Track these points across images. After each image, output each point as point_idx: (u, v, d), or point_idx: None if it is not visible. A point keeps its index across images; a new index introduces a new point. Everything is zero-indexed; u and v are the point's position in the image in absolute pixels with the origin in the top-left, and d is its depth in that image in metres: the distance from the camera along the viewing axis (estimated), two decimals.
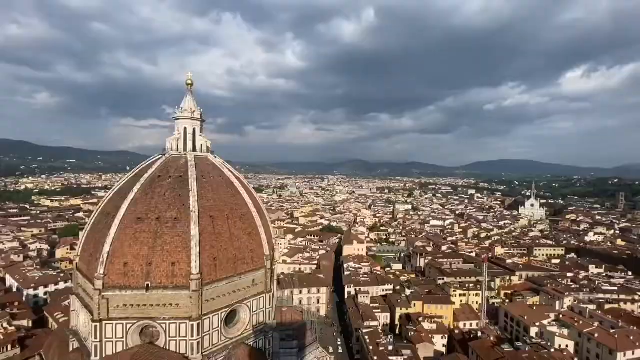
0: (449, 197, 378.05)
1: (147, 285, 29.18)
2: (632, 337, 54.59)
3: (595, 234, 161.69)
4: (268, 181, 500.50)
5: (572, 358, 53.32)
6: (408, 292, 77.26)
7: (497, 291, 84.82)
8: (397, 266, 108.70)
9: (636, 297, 76.06)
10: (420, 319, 65.96)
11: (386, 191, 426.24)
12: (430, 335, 60.37)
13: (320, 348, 44.50)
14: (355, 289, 79.94)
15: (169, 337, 29.74)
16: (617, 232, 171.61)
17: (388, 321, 71.87)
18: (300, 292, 77.11)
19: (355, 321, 66.91)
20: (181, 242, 30.49)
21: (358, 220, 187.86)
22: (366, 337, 57.99)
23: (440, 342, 60.98)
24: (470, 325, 67.82)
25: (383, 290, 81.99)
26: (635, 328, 58.88)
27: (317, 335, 52.45)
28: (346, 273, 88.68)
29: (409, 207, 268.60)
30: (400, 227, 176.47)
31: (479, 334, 61.36)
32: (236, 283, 33.20)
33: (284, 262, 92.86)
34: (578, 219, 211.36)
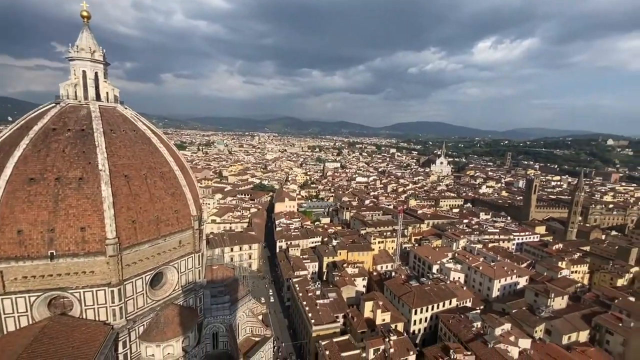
0: (374, 155, 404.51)
1: (52, 253, 25.78)
2: (505, 268, 69.55)
3: (487, 187, 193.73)
4: (192, 137, 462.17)
5: (462, 286, 65.98)
6: (335, 242, 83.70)
7: (409, 237, 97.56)
8: (326, 220, 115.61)
9: (511, 237, 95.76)
10: (345, 265, 72.93)
11: (317, 150, 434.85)
12: (352, 279, 67.59)
13: (252, 300, 46.39)
14: (287, 243, 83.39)
15: (85, 305, 27.49)
16: (503, 185, 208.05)
17: (316, 270, 77.75)
18: (232, 250, 77.38)
19: (286, 272, 70.75)
20: (91, 205, 27.10)
21: (290, 179, 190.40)
22: (296, 286, 62.22)
23: (361, 284, 68.93)
24: (386, 267, 77.70)
25: (312, 243, 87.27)
26: (508, 261, 74.86)
27: (249, 288, 54.19)
28: (278, 229, 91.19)
29: (338, 165, 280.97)
30: (330, 184, 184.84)
31: (393, 273, 70.96)
32: (160, 245, 31.51)
33: (214, 221, 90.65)
34: (475, 175, 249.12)
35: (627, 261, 79.20)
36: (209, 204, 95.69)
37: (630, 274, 72.94)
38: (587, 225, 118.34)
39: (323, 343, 45.66)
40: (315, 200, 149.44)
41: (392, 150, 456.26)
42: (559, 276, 69.65)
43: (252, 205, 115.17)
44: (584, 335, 51.31)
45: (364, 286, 69.55)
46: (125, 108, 34.95)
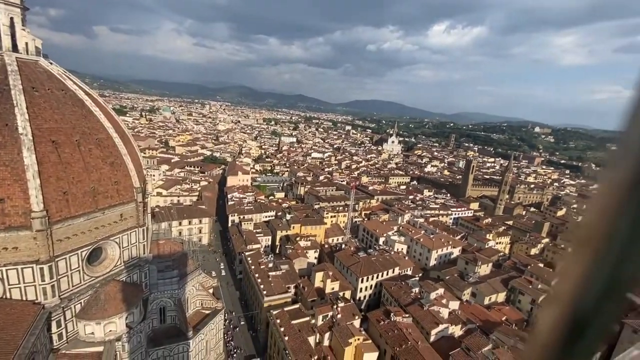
0: (329, 131, 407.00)
1: None
2: (442, 240, 76.67)
3: (431, 166, 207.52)
4: (133, 102, 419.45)
5: (404, 257, 71.67)
6: (288, 216, 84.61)
7: (359, 212, 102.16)
8: (280, 195, 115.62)
9: (449, 212, 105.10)
10: (298, 238, 74.57)
11: (273, 123, 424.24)
12: (305, 251, 69.61)
13: (202, 274, 45.71)
14: (239, 217, 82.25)
15: (9, 284, 24.86)
16: (446, 165, 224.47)
17: (269, 243, 78.44)
18: (180, 224, 74.31)
19: (238, 246, 70.35)
20: (10, 174, 23.86)
21: (243, 151, 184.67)
22: (248, 259, 62.45)
23: (312, 256, 71.39)
24: (338, 240, 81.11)
25: (266, 217, 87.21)
26: (445, 233, 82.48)
27: (199, 263, 53.14)
28: (230, 203, 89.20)
29: (294, 139, 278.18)
30: (285, 159, 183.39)
31: (343, 246, 74.49)
32: (98, 219, 29.17)
33: (159, 194, 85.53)
34: (422, 154, 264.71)
35: (541, 233, 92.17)
36: (153, 175, 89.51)
37: (542, 244, 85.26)
38: (513, 202, 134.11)
39: (274, 312, 47.16)
40: (269, 174, 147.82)
41: (348, 128, 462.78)
42: (486, 247, 78.93)
43: (203, 178, 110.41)
44: (501, 296, 59.64)
45: (315, 258, 72.13)
46: (51, 63, 30.43)
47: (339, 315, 46.94)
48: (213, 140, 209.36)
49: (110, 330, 30.21)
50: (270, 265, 60.44)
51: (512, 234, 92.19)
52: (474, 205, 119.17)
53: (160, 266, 38.12)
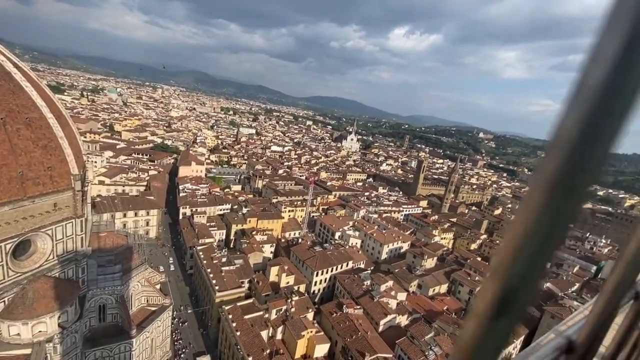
0: (290, 125, 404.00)
1: None
2: (393, 235, 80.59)
3: (387, 164, 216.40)
4: (73, 79, 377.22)
5: (358, 251, 74.09)
6: (244, 210, 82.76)
7: (317, 207, 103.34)
8: (237, 187, 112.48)
9: (401, 209, 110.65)
10: (254, 232, 73.39)
11: (231, 112, 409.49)
12: (260, 245, 68.81)
13: (149, 269, 43.09)
14: (191, 210, 78.59)
15: None
16: (400, 164, 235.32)
17: (224, 237, 76.19)
18: (125, 216, 69.14)
19: (189, 240, 67.32)
20: None
21: (198, 141, 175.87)
22: (200, 253, 60.12)
23: (268, 250, 70.82)
24: (295, 234, 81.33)
25: (221, 210, 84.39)
26: (396, 228, 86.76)
27: (145, 257, 50.06)
28: (182, 194, 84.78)
29: (253, 131, 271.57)
30: (243, 151, 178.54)
31: (300, 240, 74.90)
32: (27, 208, 26.11)
33: (102, 183, 78.61)
34: (378, 153, 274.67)
35: (480, 230, 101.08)
36: (95, 162, 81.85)
37: (480, 240, 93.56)
38: (457, 201, 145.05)
39: (226, 307, 46.13)
40: (226, 166, 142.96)
41: (309, 123, 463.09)
42: (432, 242, 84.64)
43: (152, 167, 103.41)
44: (444, 288, 64.54)
45: (271, 252, 71.64)
46: None
47: (292, 309, 47.32)
48: (165, 127, 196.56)
49: (40, 331, 27.34)
50: (224, 259, 58.80)
51: (456, 230, 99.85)
52: (423, 203, 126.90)
53: (100, 261, 35.21)
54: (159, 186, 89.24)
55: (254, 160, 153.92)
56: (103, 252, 36.93)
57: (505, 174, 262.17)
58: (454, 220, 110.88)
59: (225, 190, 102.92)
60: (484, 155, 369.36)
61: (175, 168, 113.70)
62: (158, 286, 43.74)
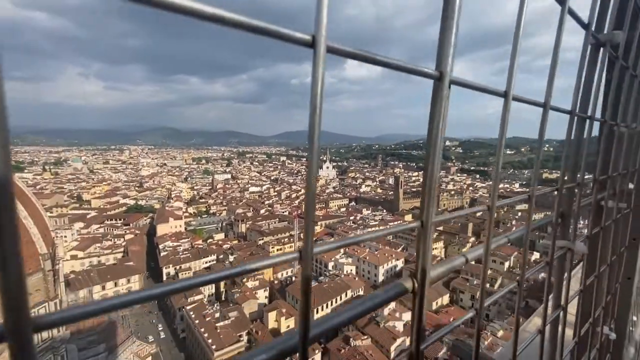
0: (265, 164, 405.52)
1: None
2: (386, 254, 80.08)
3: (365, 186, 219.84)
4: (33, 156, 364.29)
5: (354, 277, 72.55)
6: (231, 258, 79.85)
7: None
8: (220, 236, 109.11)
9: (388, 226, 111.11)
10: (244, 280, 70.37)
11: (203, 161, 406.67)
12: (254, 292, 65.82)
13: (137, 342, 39.79)
14: (175, 268, 74.87)
15: None
16: (378, 183, 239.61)
17: (214, 291, 72.39)
18: (103, 288, 64.52)
19: (177, 301, 63.34)
20: None
21: (173, 195, 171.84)
22: (191, 313, 56.50)
23: (263, 296, 67.77)
24: (287, 273, 78.73)
25: (206, 263, 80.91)
26: (387, 247, 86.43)
27: (131, 330, 46.48)
28: (162, 254, 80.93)
29: (228, 176, 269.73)
30: (221, 197, 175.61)
31: (293, 278, 72.50)
32: None
33: (75, 257, 73.83)
34: (356, 176, 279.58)
35: (467, 233, 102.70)
36: (65, 236, 77.27)
37: (470, 243, 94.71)
38: (439, 209, 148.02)
39: None
40: (205, 216, 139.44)
41: (283, 158, 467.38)
42: None
43: (127, 231, 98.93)
44: (446, 299, 63.75)
45: (266, 297, 68.58)
46: None
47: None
48: (136, 188, 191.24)
49: None
50: (217, 315, 55.50)
51: (444, 238, 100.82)
52: (408, 217, 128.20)
53: (81, 343, 32.16)
54: (138, 250, 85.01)
55: (234, 204, 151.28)
56: (83, 333, 33.88)
57: (477, 176, 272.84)
58: (441, 228, 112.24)
59: (209, 241, 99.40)
60: (454, 161, 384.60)
61: (152, 227, 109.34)
62: (149, 359, 40.22)
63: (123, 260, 77.55)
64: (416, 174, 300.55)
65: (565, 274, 0.93)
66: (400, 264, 79.20)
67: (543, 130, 0.76)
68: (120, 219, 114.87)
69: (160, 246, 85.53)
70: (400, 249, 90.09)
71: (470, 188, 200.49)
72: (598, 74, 0.88)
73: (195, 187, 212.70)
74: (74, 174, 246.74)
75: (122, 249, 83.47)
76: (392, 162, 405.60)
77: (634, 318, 1.59)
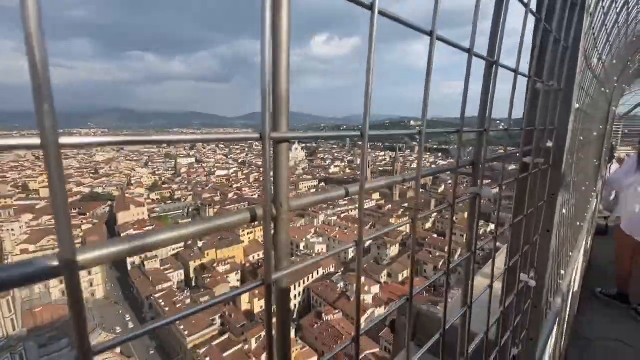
0: (231, 146, 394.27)
1: None
2: (356, 232, 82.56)
3: (334, 166, 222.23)
4: None
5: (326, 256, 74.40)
6: (200, 243, 78.24)
7: None
8: (187, 222, 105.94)
9: (356, 206, 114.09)
10: (215, 265, 69.69)
11: (165, 145, 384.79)
12: (225, 276, 65.52)
13: (103, 334, 38.47)
14: (141, 257, 72.03)
15: None
16: (346, 163, 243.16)
17: (183, 277, 71.03)
18: (61, 282, 60.75)
19: (145, 290, 61.55)
20: None
21: (133, 182, 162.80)
22: (160, 301, 55.33)
23: (235, 279, 67.70)
24: (258, 255, 78.92)
25: (174, 250, 78.58)
26: (357, 225, 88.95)
27: (96, 322, 44.82)
28: None
29: (193, 160, 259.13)
30: (185, 182, 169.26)
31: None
32: None
33: (25, 251, 68.36)
34: (325, 157, 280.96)
35: (430, 209, 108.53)
36: (12, 230, 71.22)
37: (432, 218, 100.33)
38: (405, 187, 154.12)
39: (201, 351, 42.97)
40: (170, 202, 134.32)
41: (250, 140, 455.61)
42: (391, 230, 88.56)
43: (84, 221, 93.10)
44: (407, 271, 67.74)
45: (238, 281, 68.58)
46: None
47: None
48: (92, 175, 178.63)
49: None
50: (188, 301, 54.85)
51: (409, 214, 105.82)
52: (376, 196, 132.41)
53: (41, 340, 30.52)
54: (97, 240, 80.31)
55: (200, 189, 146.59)
56: (43, 329, 32.12)
57: (440, 154, 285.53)
58: (406, 205, 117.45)
59: None
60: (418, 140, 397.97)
61: (112, 216, 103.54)
62: (118, 350, 39.22)
63: None
64: (383, 153, 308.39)
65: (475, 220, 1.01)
66: (369, 240, 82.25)
67: (468, 76, 0.76)
68: (75, 209, 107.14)
69: (122, 235, 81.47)
70: (368, 226, 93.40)
71: (433, 166, 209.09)
72: (522, 33, 0.92)
73: (157, 172, 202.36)
74: (16, 161, 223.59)
75: (79, 241, 78.51)
76: (360, 143, 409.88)
77: (562, 272, 1.85)
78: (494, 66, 0.72)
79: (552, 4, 0.98)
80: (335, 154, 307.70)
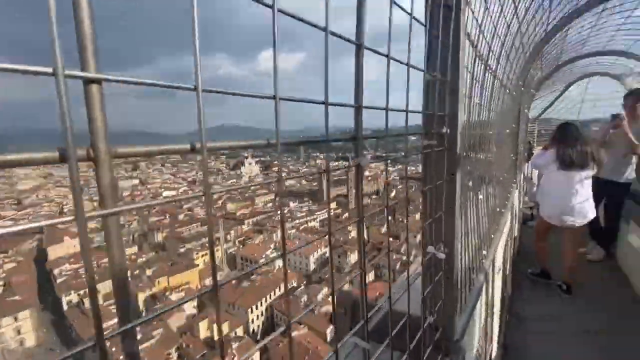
0: (179, 165, 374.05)
1: None
2: (315, 243, 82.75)
3: (290, 178, 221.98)
4: None
5: (287, 271, 73.08)
6: (149, 272, 72.27)
7: (232, 241, 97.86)
8: (133, 249, 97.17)
9: (315, 216, 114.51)
10: (167, 293, 64.66)
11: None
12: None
13: None
14: (79, 294, 64.33)
15: None
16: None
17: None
18: None
19: (86, 331, 54.68)
20: None
21: (66, 210, 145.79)
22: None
23: (191, 306, 63.36)
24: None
25: None
26: (316, 236, 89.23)
27: None
28: (60, 280, 68.62)
29: (136, 181, 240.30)
30: None
31: (224, 283, 69.51)
32: None
33: None
34: (280, 170, 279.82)
35: (384, 214, 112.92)
36: None
37: (386, 222, 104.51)
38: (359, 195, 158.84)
39: None
40: None
41: (199, 157, 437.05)
42: (350, 238, 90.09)
43: (5, 260, 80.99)
44: (372, 275, 69.26)
45: (194, 307, 64.30)
46: None
47: (235, 358, 43.37)
48: (14, 206, 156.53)
49: None
50: (139, 336, 49.89)
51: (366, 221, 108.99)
52: (333, 205, 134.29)
53: None
54: (25, 280, 70.31)
55: (146, 212, 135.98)
56: None
57: (389, 161, 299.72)
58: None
59: None
60: (370, 149, 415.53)
61: (42, 251, 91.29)
62: None
63: (4, 295, 63.32)
64: (337, 163, 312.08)
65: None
66: (328, 250, 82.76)
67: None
68: None
69: (55, 272, 72.22)
70: (326, 235, 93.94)
71: (383, 173, 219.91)
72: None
73: (95, 198, 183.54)
74: None
75: (1, 283, 67.97)
76: (314, 154, 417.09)
77: (484, 252, 2.07)
78: (361, 48, 0.74)
79: (436, 12, 1.11)
80: (291, 166, 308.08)
